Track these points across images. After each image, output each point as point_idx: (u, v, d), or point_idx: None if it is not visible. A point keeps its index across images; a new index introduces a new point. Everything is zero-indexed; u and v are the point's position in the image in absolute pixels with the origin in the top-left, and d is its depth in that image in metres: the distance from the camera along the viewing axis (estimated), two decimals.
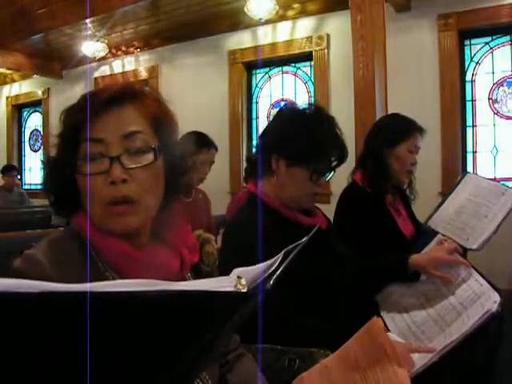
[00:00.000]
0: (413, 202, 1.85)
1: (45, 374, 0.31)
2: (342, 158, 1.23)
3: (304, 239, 0.47)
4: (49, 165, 0.76)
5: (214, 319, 0.36)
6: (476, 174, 1.77)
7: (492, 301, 1.09)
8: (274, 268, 0.40)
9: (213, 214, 2.73)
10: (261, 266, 0.40)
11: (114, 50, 5.01)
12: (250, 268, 0.39)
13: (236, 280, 0.36)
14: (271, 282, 0.38)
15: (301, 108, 1.27)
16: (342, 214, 1.64)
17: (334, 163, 1.23)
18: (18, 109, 6.45)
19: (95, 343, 0.30)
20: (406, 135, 1.68)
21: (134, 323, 0.31)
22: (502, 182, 3.42)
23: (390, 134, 1.70)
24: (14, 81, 6.31)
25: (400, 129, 1.70)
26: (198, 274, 0.85)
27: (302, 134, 1.18)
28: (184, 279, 0.79)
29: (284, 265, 0.40)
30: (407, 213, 1.79)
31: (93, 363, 0.30)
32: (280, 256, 0.41)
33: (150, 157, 0.71)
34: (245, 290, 0.35)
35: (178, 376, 0.37)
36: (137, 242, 0.73)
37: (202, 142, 2.34)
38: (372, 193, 1.65)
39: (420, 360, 0.97)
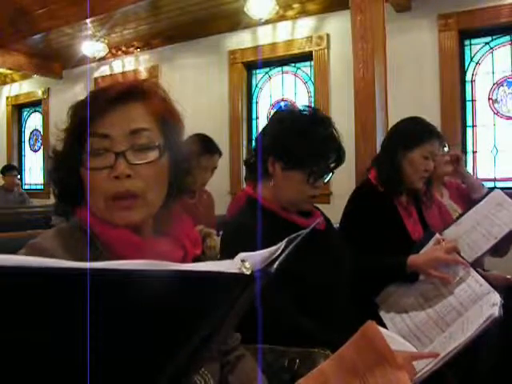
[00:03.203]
0: (426, 209, 1.82)
1: (45, 352, 0.31)
2: (339, 160, 1.23)
3: (306, 230, 0.48)
4: (55, 158, 0.77)
5: (217, 301, 0.36)
6: (503, 191, 1.76)
7: (493, 303, 1.09)
8: (277, 254, 0.40)
9: (215, 214, 2.72)
10: (264, 251, 0.40)
11: (114, 50, 5.01)
12: (253, 253, 0.39)
13: (240, 263, 0.36)
14: (274, 267, 0.39)
15: (297, 110, 1.26)
16: (352, 212, 1.64)
17: (332, 165, 1.22)
18: (18, 109, 6.44)
19: (100, 322, 0.30)
20: (421, 140, 1.65)
21: (138, 303, 0.32)
22: (501, 182, 3.42)
23: (406, 137, 1.67)
24: (13, 81, 6.31)
25: (416, 133, 1.67)
26: None
27: (298, 137, 1.17)
28: None
29: (286, 252, 0.41)
30: (419, 216, 1.78)
31: (95, 343, 0.31)
32: (283, 243, 0.42)
33: (154, 154, 0.73)
34: (249, 273, 0.36)
35: (180, 361, 0.38)
36: (139, 236, 0.73)
37: (205, 146, 2.29)
38: (384, 192, 1.64)
39: (422, 364, 0.97)
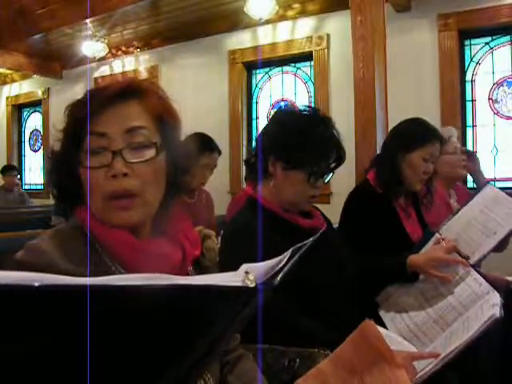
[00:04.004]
0: (426, 211, 1.80)
1: (43, 368, 0.31)
2: (339, 160, 1.23)
3: (311, 239, 0.47)
4: (53, 159, 0.77)
5: (220, 314, 0.36)
6: (495, 186, 1.77)
7: (493, 303, 1.09)
8: (281, 265, 0.40)
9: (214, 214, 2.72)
10: (268, 262, 0.40)
11: (114, 50, 5.01)
12: (257, 264, 0.39)
13: (244, 275, 0.36)
14: (278, 279, 0.38)
15: (297, 110, 1.26)
16: (349, 213, 1.63)
17: (332, 165, 1.22)
18: (18, 109, 6.44)
19: (99, 338, 0.30)
20: (422, 142, 1.63)
21: (139, 317, 0.31)
22: (501, 182, 3.42)
23: (406, 139, 1.66)
24: (14, 81, 6.31)
25: (417, 135, 1.65)
26: (200, 268, 0.85)
27: (298, 137, 1.17)
28: (186, 272, 0.79)
29: (291, 262, 0.40)
30: (417, 217, 1.77)
31: (96, 357, 0.30)
32: (288, 253, 0.42)
33: (151, 152, 0.72)
34: (253, 285, 0.35)
35: (181, 373, 0.37)
36: (137, 237, 0.73)
37: (204, 144, 2.30)
38: (382, 194, 1.63)
39: (422, 364, 0.97)
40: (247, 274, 0.36)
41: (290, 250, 0.42)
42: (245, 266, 0.38)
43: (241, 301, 0.36)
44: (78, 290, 0.28)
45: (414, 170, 1.64)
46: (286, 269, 0.39)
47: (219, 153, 2.40)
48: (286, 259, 0.40)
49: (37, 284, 0.27)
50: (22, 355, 0.29)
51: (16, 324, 0.28)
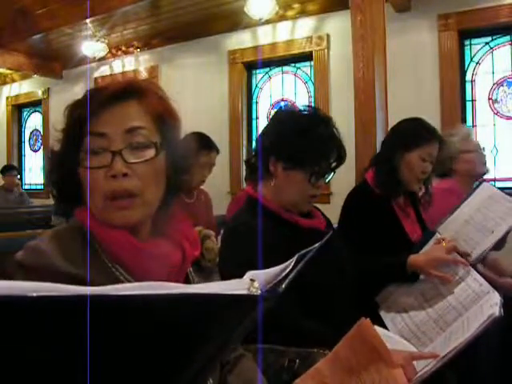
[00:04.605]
0: (424, 209, 1.79)
1: (43, 380, 0.30)
2: (340, 160, 1.23)
3: (316, 245, 0.47)
4: (52, 159, 0.77)
5: (225, 321, 0.35)
6: (491, 184, 1.76)
7: (493, 303, 1.09)
8: (286, 272, 0.39)
9: (213, 213, 2.73)
10: (273, 269, 0.39)
11: (114, 50, 5.01)
12: (263, 271, 0.38)
13: (249, 283, 0.36)
14: (283, 286, 0.38)
15: (298, 110, 1.26)
16: (348, 214, 1.63)
17: (333, 165, 1.22)
18: (18, 109, 6.44)
19: (99, 348, 0.29)
20: (421, 142, 1.63)
21: (144, 327, 0.31)
22: (501, 182, 3.42)
23: (405, 138, 1.66)
24: (14, 81, 6.31)
25: (416, 134, 1.65)
26: (200, 269, 0.85)
27: (299, 137, 1.17)
28: (185, 272, 0.79)
29: (297, 269, 0.40)
30: (416, 216, 1.77)
31: (98, 367, 0.30)
32: (293, 260, 0.41)
33: (151, 152, 0.72)
34: (258, 293, 0.35)
35: (186, 380, 0.37)
36: (137, 237, 0.73)
37: (202, 143, 2.31)
38: (380, 194, 1.63)
39: (422, 364, 0.97)
40: (252, 282, 0.35)
41: (296, 257, 0.41)
42: (250, 274, 0.37)
43: (246, 308, 0.36)
44: (76, 300, 0.27)
45: (412, 169, 1.64)
46: (291, 276, 0.39)
47: (217, 151, 2.41)
48: (291, 266, 0.40)
49: (34, 294, 0.26)
50: (19, 368, 0.29)
51: (13, 336, 0.27)
